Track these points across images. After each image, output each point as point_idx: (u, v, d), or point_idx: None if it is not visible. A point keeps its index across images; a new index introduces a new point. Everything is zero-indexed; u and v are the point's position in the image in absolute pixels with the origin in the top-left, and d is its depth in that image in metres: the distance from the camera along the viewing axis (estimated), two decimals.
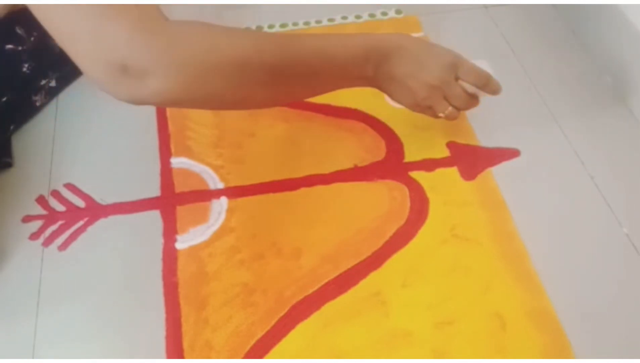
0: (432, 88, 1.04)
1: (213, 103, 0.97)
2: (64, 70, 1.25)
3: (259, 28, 1.35)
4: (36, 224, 1.07)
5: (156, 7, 0.81)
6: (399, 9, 1.45)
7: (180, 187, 1.13)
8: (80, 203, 1.10)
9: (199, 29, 0.85)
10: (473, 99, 1.09)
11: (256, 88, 0.91)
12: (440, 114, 1.09)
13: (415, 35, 1.34)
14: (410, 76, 1.03)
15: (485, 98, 1.10)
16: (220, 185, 1.12)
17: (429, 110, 1.09)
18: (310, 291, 0.99)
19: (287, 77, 0.94)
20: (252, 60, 0.88)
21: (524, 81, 1.31)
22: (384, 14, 1.45)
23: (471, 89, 1.07)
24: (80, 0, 0.76)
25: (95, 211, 1.09)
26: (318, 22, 1.42)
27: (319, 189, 1.12)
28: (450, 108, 1.08)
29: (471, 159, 1.16)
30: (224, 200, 1.10)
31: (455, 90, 1.06)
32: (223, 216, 1.08)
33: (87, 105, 1.25)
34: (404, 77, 1.04)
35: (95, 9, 0.76)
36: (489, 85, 1.07)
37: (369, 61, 1.01)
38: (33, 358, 0.92)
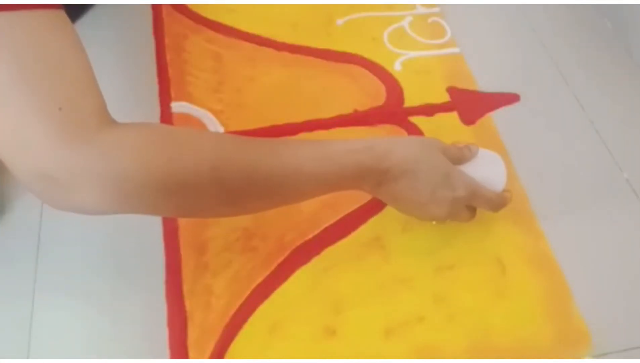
0: (439, 218, 0.93)
1: (162, 215, 0.92)
2: None
3: None
4: None
5: (91, 107, 0.72)
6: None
7: None
8: None
9: (142, 140, 0.74)
10: (475, 213, 0.96)
11: (213, 207, 0.82)
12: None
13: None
14: (417, 204, 0.91)
15: None
16: (221, 129, 1.12)
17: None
18: (310, 235, 0.99)
19: (253, 199, 0.84)
20: (206, 183, 0.76)
21: (523, 27, 1.30)
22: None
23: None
24: (3, 90, 0.67)
25: None
26: None
27: (319, 134, 1.11)
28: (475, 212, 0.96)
29: (471, 104, 1.16)
30: None
31: (463, 216, 0.94)
32: None
33: (87, 49, 1.24)
34: (410, 203, 0.91)
35: (17, 110, 0.67)
36: (501, 208, 0.96)
37: (363, 181, 0.88)
38: (33, 302, 0.93)
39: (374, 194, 0.92)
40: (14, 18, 0.67)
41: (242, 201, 0.82)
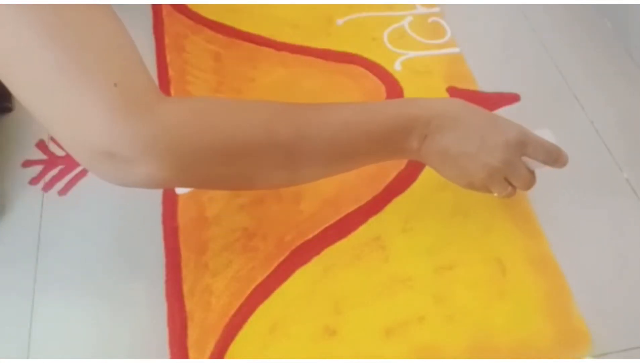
0: (493, 170, 0.88)
1: (219, 186, 0.89)
2: None
3: None
4: (36, 169, 1.07)
5: (144, 82, 0.74)
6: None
7: None
8: None
9: (197, 108, 0.77)
10: (534, 177, 0.92)
11: (270, 171, 0.82)
12: (496, 194, 0.93)
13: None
14: (467, 155, 0.87)
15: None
16: None
17: (483, 188, 0.93)
18: (311, 236, 0.99)
19: (307, 158, 0.83)
20: (262, 142, 0.78)
21: (523, 27, 1.30)
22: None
23: (533, 164, 0.91)
24: (54, 76, 0.68)
25: None
26: None
27: None
28: (510, 188, 0.92)
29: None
30: None
31: (520, 171, 0.90)
32: None
33: None
34: (460, 156, 0.88)
35: (73, 89, 0.68)
36: (558, 161, 0.91)
37: (411, 133, 0.86)
38: (33, 301, 0.93)
39: (421, 154, 0.89)
40: (63, 5, 0.68)
41: (298, 163, 0.83)
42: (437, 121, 0.86)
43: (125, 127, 0.69)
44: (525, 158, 0.90)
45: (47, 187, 1.05)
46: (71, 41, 0.68)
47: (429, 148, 0.87)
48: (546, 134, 0.92)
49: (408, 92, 1.18)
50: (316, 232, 0.99)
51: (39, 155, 1.09)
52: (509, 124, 0.89)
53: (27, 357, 0.88)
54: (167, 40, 1.26)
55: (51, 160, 1.08)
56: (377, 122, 0.85)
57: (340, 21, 1.31)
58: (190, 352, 0.88)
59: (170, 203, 1.02)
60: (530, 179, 0.91)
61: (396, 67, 1.22)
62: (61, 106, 0.69)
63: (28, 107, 0.72)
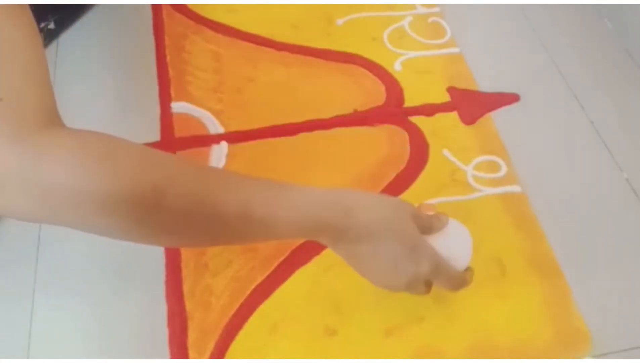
0: (395, 289, 0.84)
1: (94, 233, 0.69)
2: (63, 12, 1.24)
3: None
4: None
5: (37, 104, 0.64)
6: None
7: (180, 132, 1.12)
8: None
9: (85, 147, 0.64)
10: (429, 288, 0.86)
11: (148, 231, 0.69)
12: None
13: None
14: (376, 272, 0.83)
15: None
16: (221, 130, 1.12)
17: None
18: None
19: (191, 230, 0.72)
20: (145, 200, 0.65)
21: (523, 27, 1.30)
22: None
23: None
24: None
25: None
26: None
27: (319, 134, 1.12)
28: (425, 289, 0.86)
29: (471, 104, 1.16)
30: (224, 145, 1.09)
31: (420, 291, 0.85)
32: (223, 160, 1.07)
33: (87, 50, 1.25)
34: (368, 268, 0.83)
35: None
36: (458, 289, 0.87)
37: (321, 235, 0.79)
38: (33, 301, 0.93)
39: (331, 248, 0.82)
40: None
41: (181, 231, 0.71)
42: (354, 231, 0.78)
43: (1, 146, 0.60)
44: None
45: None
46: None
47: (340, 249, 0.81)
48: (461, 236, 0.87)
49: (408, 92, 1.18)
50: None
51: None
52: (427, 255, 0.82)
53: (27, 357, 0.88)
54: (167, 41, 1.26)
55: None
56: (287, 219, 0.75)
57: (340, 21, 1.31)
58: (190, 352, 0.88)
59: None
60: (427, 293, 0.86)
61: (396, 67, 1.22)
62: None
63: None
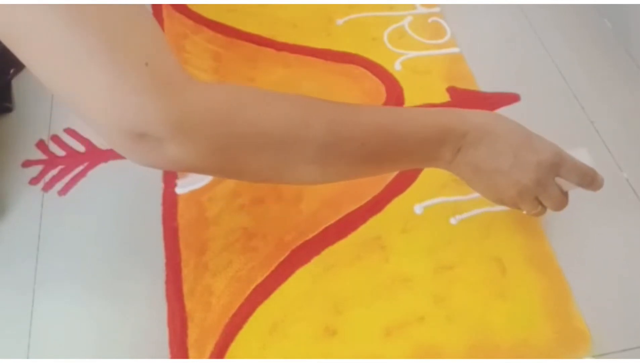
0: (524, 189, 0.86)
1: (246, 176, 0.82)
2: None
3: None
4: (36, 169, 1.07)
5: (173, 63, 0.71)
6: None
7: None
8: (80, 147, 1.10)
9: (231, 93, 0.73)
10: (566, 199, 0.90)
11: (298, 166, 0.79)
12: (525, 212, 0.91)
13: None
14: (499, 172, 0.85)
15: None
16: None
17: (513, 205, 0.91)
18: (310, 236, 0.99)
19: (336, 157, 0.80)
20: (295, 135, 0.75)
21: (523, 27, 1.30)
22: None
23: (567, 185, 0.88)
24: (82, 56, 0.65)
25: (95, 155, 1.09)
26: None
27: None
28: (540, 207, 0.90)
29: (471, 104, 1.16)
30: None
31: (551, 192, 0.87)
32: None
33: None
34: (491, 172, 0.86)
35: (103, 68, 0.65)
36: (593, 184, 0.89)
37: (444, 144, 0.83)
38: (33, 301, 0.93)
39: (452, 165, 0.86)
40: None
41: (327, 160, 0.79)
42: (472, 134, 0.83)
43: (158, 107, 0.67)
44: (558, 179, 0.87)
45: (47, 187, 1.05)
46: (97, 21, 0.65)
47: (461, 161, 0.85)
48: (582, 155, 0.89)
49: (408, 92, 1.18)
50: (316, 232, 0.99)
51: (39, 155, 1.09)
52: (545, 144, 0.86)
53: (27, 357, 0.88)
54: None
55: (51, 160, 1.08)
56: (411, 130, 0.82)
57: (340, 21, 1.31)
58: (190, 352, 0.88)
59: (170, 203, 1.02)
60: (561, 201, 0.89)
61: (396, 67, 1.22)
62: (90, 86, 0.66)
63: (53, 90, 0.69)
